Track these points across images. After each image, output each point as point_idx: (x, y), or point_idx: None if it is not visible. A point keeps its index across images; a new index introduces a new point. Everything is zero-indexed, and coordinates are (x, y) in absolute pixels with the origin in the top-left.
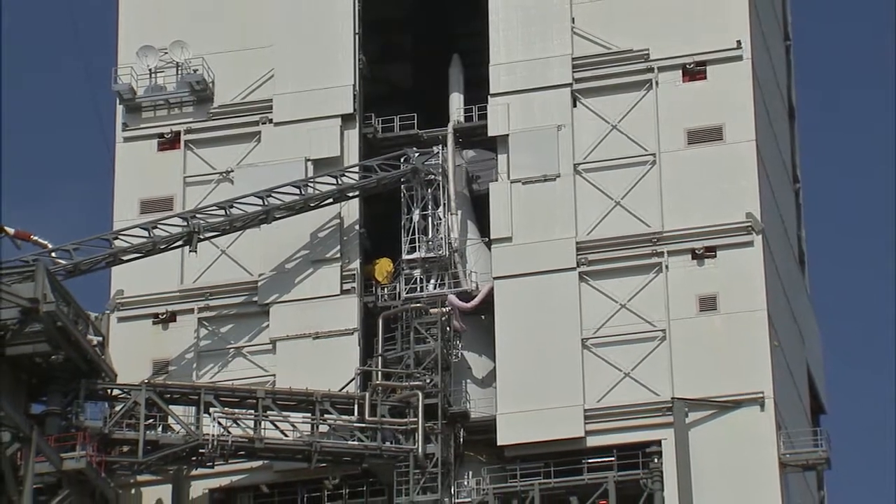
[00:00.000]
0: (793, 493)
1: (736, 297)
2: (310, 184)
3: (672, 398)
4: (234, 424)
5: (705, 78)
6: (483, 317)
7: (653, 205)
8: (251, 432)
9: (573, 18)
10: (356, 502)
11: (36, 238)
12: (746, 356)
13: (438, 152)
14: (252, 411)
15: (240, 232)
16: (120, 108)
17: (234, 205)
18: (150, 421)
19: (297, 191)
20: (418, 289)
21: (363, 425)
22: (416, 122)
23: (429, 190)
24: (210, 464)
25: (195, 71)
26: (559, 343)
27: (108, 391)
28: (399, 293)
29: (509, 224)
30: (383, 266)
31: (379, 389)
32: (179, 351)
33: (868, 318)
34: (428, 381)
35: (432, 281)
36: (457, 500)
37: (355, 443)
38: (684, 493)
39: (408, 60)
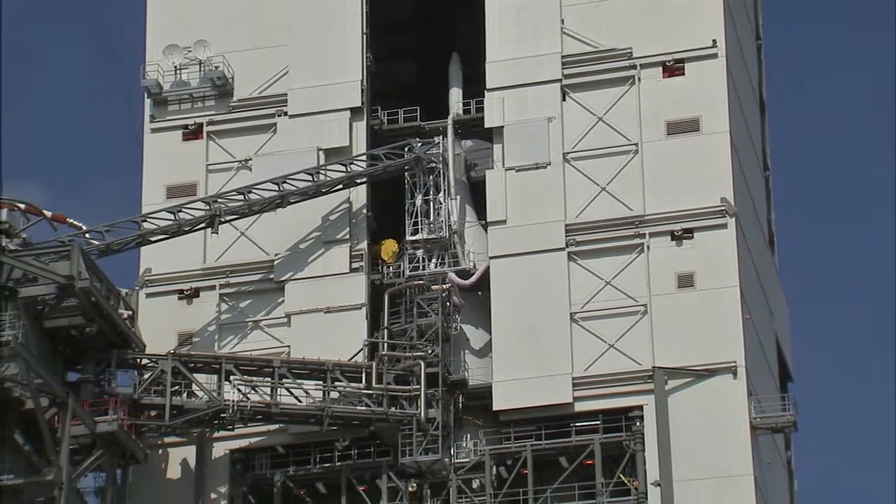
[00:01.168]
0: (763, 453)
1: (711, 274)
2: (321, 171)
3: (653, 367)
4: (253, 391)
5: (683, 74)
6: (480, 293)
7: (635, 190)
8: (268, 398)
9: (563, 19)
10: (364, 462)
11: (71, 220)
12: (720, 329)
13: (439, 142)
14: (268, 379)
15: (257, 215)
16: (148, 102)
17: (253, 190)
18: (176, 388)
19: (310, 177)
20: (421, 267)
21: (370, 392)
22: (418, 114)
23: (430, 177)
24: (230, 427)
25: (216, 68)
26: (549, 317)
27: (138, 360)
28: (403, 271)
29: (504, 208)
30: (389, 246)
31: (385, 359)
32: (202, 324)
33: (832, 293)
34: (429, 351)
35: (433, 260)
36: (456, 461)
37: (363, 408)
38: (664, 454)
39: (411, 58)
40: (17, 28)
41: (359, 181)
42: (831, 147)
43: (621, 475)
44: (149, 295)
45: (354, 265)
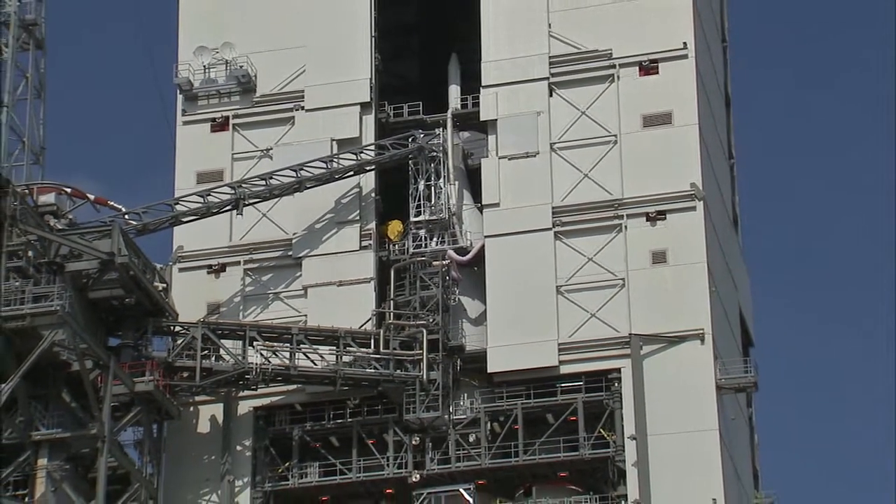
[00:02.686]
0: (727, 410)
1: (681, 251)
2: (334, 159)
3: (629, 334)
4: (273, 355)
5: (657, 73)
6: (476, 268)
7: (614, 176)
8: (287, 362)
9: (550, 24)
10: (372, 419)
11: (112, 203)
12: (690, 300)
13: (439, 133)
14: (288, 345)
15: (277, 198)
16: (180, 98)
17: (273, 176)
18: (205, 352)
19: (324, 165)
20: (423, 245)
21: (378, 356)
22: (421, 108)
23: (431, 164)
24: (254, 387)
25: (241, 67)
26: (538, 289)
27: (171, 328)
28: (407, 249)
29: (497, 192)
30: (394, 227)
31: (391, 327)
32: (228, 295)
33: (789, 268)
34: (431, 320)
35: (434, 239)
36: (454, 417)
37: (372, 370)
38: (639, 412)
39: (415, 58)
40: (64, 35)
41: (368, 168)
42: (789, 137)
43: (601, 430)
44: (181, 269)
45: (364, 243)
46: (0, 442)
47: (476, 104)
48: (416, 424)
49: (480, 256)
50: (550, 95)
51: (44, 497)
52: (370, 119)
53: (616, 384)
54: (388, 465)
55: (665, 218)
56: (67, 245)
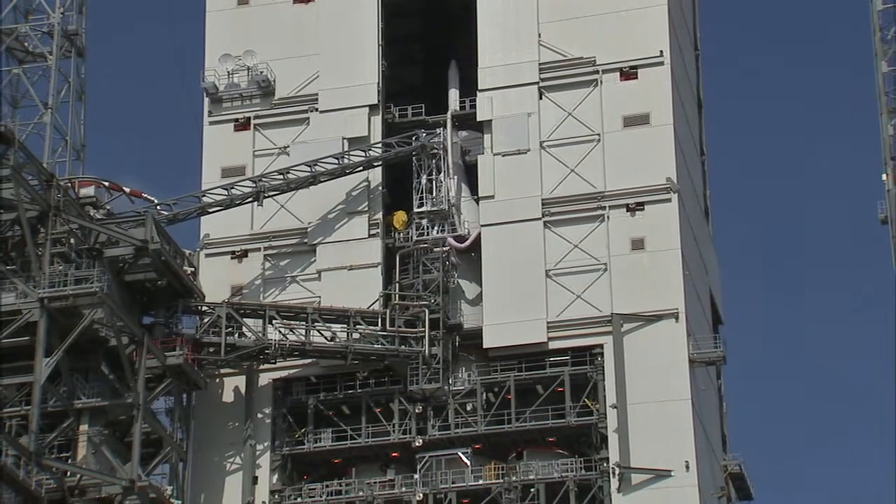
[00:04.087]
0: (699, 382)
1: (658, 239)
2: (345, 156)
3: (611, 313)
4: (291, 332)
5: (637, 78)
6: (473, 254)
7: (597, 171)
8: (303, 338)
9: (539, 34)
10: (380, 389)
11: (145, 195)
12: (665, 282)
13: (440, 133)
14: (303, 323)
15: (294, 191)
16: (206, 101)
17: (290, 171)
18: (229, 330)
19: (336, 161)
20: (425, 233)
21: (385, 333)
22: (423, 110)
23: (433, 160)
24: (273, 361)
25: (261, 73)
26: (529, 273)
27: (199, 308)
28: (411, 236)
29: (492, 185)
30: (399, 216)
31: (396, 307)
32: (250, 278)
33: (755, 253)
34: (432, 301)
35: (435, 227)
36: (453, 388)
37: (379, 346)
38: (620, 383)
39: (418, 65)
40: (103, 43)
41: (375, 164)
42: (754, 136)
43: (586, 399)
44: (207, 255)
45: (372, 231)
46: (46, 409)
47: (473, 106)
48: (419, 395)
49: (477, 243)
50: (540, 98)
51: (85, 459)
52: (377, 119)
53: (599, 358)
54: (393, 431)
55: (643, 209)
56: (105, 233)
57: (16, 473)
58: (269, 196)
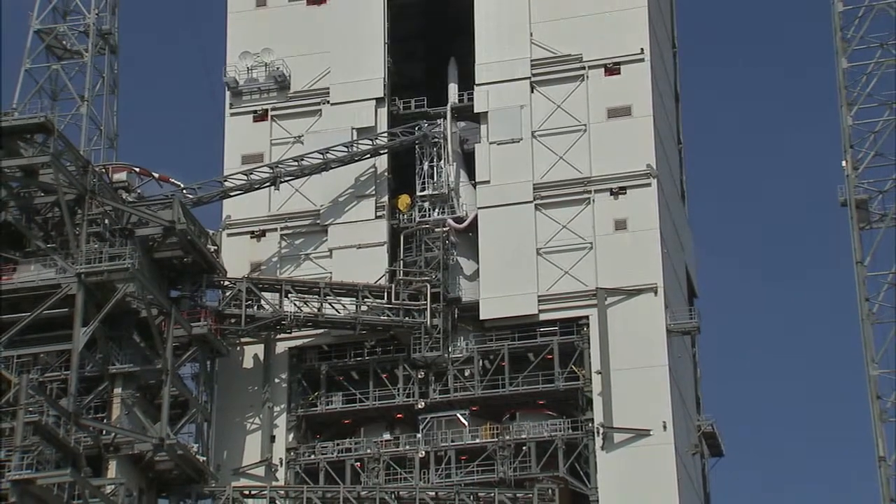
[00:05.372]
0: (675, 350)
1: (639, 220)
2: (354, 144)
3: (596, 288)
4: (305, 305)
5: (619, 73)
6: (470, 234)
7: (584, 158)
8: (316, 310)
9: (531, 33)
10: (385, 357)
11: (173, 180)
12: (645, 260)
13: (440, 123)
14: (316, 296)
15: (308, 176)
16: (228, 94)
17: (304, 158)
18: (249, 302)
19: (346, 149)
20: (427, 215)
21: (390, 306)
22: (425, 103)
23: (434, 149)
24: (289, 331)
25: (278, 69)
26: (521, 251)
27: (221, 282)
28: (414, 218)
29: (488, 171)
30: (404, 200)
31: (401, 282)
32: (268, 256)
33: (726, 233)
34: (433, 276)
35: (436, 210)
36: (452, 356)
37: (385, 318)
38: (604, 351)
39: (420, 61)
40: (136, 42)
41: (381, 152)
42: (728, 126)
43: (573, 366)
44: (229, 235)
45: (378, 213)
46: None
47: (471, 99)
48: (422, 361)
49: (474, 224)
50: (531, 92)
51: (119, 419)
52: (384, 111)
53: (585, 329)
54: (398, 394)
55: (625, 192)
56: (136, 214)
57: (56, 432)
58: (284, 181)
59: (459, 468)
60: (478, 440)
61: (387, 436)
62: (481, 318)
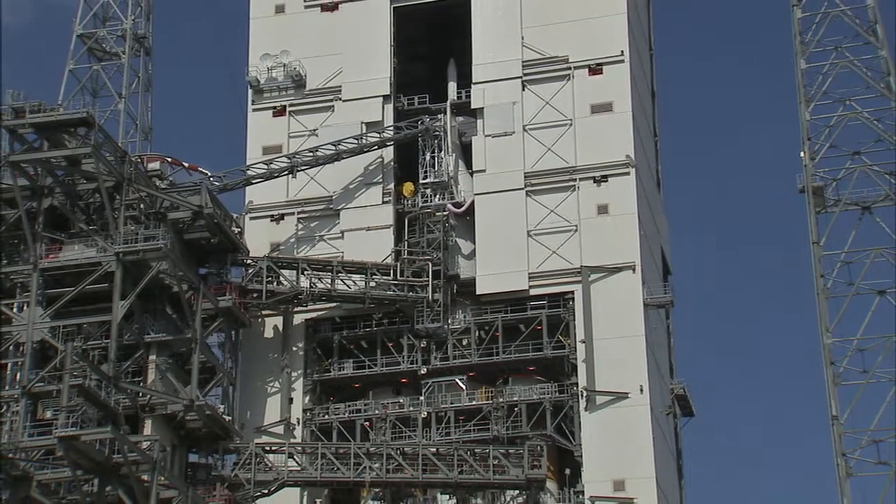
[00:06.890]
0: (651, 322)
1: (619, 205)
2: (364, 137)
3: (581, 266)
4: (319, 281)
5: (602, 73)
6: (468, 217)
7: (570, 150)
8: (329, 286)
9: (523, 37)
10: (392, 328)
11: (200, 169)
12: (625, 241)
13: (441, 118)
14: (329, 273)
15: (322, 166)
16: (250, 92)
17: (319, 149)
18: (269, 279)
19: (356, 141)
20: (429, 200)
21: (396, 282)
22: (427, 99)
23: (435, 141)
24: (305, 304)
25: (295, 69)
26: (513, 233)
27: (244, 261)
28: (417, 203)
29: (484, 161)
30: (408, 187)
31: (405, 261)
32: (286, 237)
33: (698, 217)
34: (434, 256)
35: (437, 196)
36: (451, 327)
37: (391, 293)
38: (587, 323)
39: (423, 62)
40: (168, 51)
41: (388, 143)
42: (699, 120)
43: (560, 336)
44: (251, 218)
45: (385, 199)
46: (122, 342)
47: (468, 96)
48: (424, 332)
49: (471, 209)
50: (523, 90)
51: (153, 383)
52: (390, 107)
53: (570, 302)
54: (403, 361)
55: (607, 181)
56: (168, 199)
57: (98, 394)
58: (301, 170)
59: (458, 427)
60: (474, 402)
61: (393, 398)
62: (477, 293)
